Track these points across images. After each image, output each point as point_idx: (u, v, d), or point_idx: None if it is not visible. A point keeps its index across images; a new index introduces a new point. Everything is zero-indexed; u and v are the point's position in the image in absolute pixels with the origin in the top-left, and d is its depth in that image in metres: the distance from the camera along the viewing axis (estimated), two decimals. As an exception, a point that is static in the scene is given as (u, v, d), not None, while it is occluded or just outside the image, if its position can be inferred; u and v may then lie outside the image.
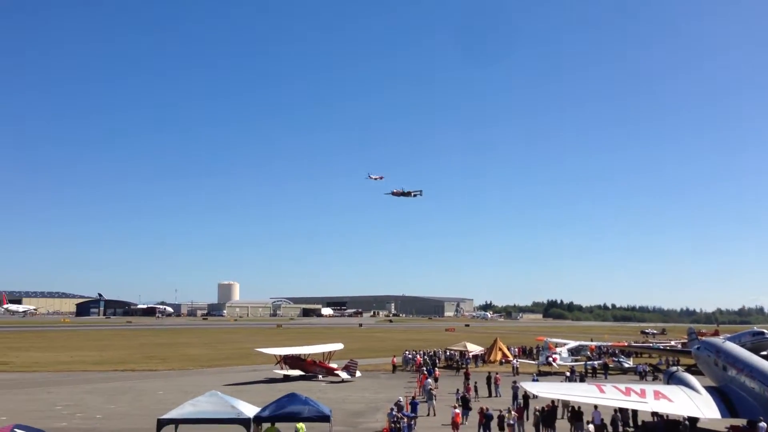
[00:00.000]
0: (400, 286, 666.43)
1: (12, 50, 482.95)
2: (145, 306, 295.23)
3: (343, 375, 53.90)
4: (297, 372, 55.19)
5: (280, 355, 57.22)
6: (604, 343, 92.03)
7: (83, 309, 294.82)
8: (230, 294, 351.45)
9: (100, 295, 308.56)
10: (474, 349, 71.42)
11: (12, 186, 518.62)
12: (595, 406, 31.50)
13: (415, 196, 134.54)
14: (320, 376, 55.05)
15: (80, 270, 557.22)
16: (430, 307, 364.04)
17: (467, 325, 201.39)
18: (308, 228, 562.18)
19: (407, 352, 68.63)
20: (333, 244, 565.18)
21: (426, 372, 51.55)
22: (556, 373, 59.66)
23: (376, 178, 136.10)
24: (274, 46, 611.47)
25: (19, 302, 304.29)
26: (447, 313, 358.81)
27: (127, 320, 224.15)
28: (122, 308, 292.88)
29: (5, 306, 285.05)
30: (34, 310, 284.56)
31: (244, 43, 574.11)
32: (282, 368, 55.49)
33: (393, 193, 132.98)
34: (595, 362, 66.08)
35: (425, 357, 67.06)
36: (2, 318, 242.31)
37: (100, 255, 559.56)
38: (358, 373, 54.75)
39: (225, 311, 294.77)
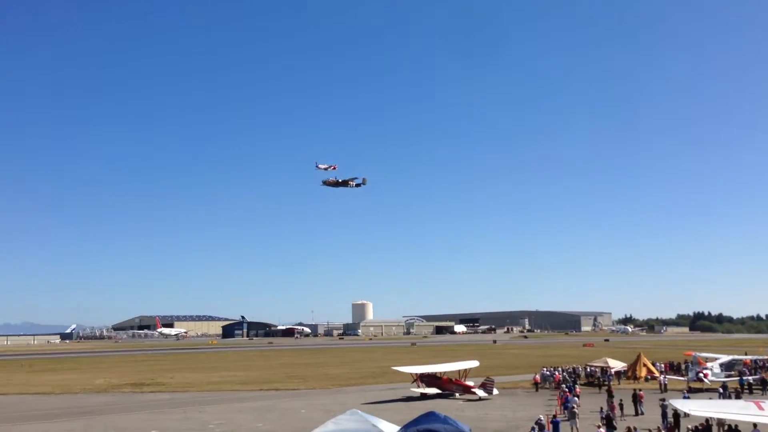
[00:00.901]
0: (534, 301, 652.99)
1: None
2: (284, 327, 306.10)
3: (480, 393, 53.35)
4: (434, 390, 55.22)
5: (417, 374, 57.51)
6: (760, 357, 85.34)
7: (228, 331, 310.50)
8: (364, 313, 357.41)
9: (242, 317, 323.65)
10: (616, 365, 68.39)
11: (173, 223, 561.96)
12: (754, 425, 29.33)
13: (358, 185, 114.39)
14: (457, 394, 54.76)
15: (224, 294, 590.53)
16: (566, 322, 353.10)
17: (606, 340, 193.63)
18: (440, 246, 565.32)
19: (545, 369, 66.87)
20: (464, 261, 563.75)
21: (567, 389, 50.06)
22: (707, 390, 56.07)
23: (326, 168, 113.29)
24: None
25: (171, 326, 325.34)
26: (584, 328, 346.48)
27: (269, 341, 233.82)
28: (263, 329, 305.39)
29: (159, 330, 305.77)
30: (185, 332, 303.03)
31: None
32: (419, 386, 55.73)
33: (326, 183, 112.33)
34: (751, 377, 61.49)
35: (564, 374, 65.08)
36: (157, 341, 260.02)
37: (241, 280, 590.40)
38: (495, 391, 54.00)
39: (360, 330, 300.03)
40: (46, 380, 75.05)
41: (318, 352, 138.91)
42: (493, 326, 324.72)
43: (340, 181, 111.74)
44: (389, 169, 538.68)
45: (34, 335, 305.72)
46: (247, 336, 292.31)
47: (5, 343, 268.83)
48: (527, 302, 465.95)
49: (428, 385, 55.80)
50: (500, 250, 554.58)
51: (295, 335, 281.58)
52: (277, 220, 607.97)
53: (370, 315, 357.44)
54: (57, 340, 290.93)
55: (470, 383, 55.66)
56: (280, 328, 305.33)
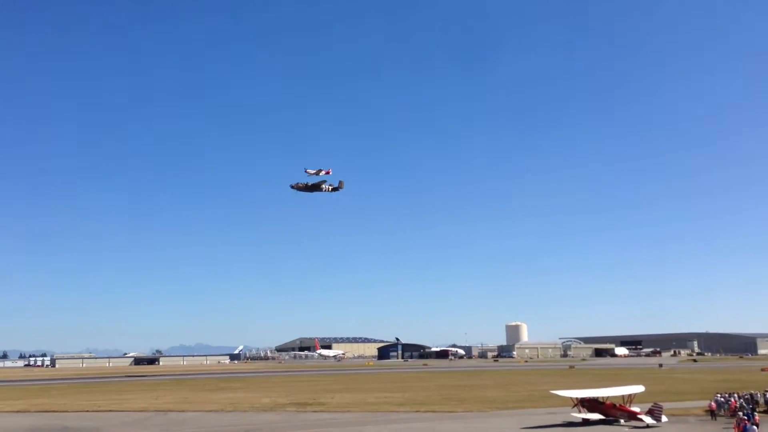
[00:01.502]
0: (702, 322, 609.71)
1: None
2: (438, 349, 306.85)
3: (648, 420, 50.47)
4: (596, 416, 52.94)
5: (577, 398, 55.45)
6: None
7: (384, 352, 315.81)
8: (518, 335, 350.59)
9: (397, 339, 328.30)
10: (801, 391, 62.26)
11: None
12: None
13: (334, 189, 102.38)
14: (622, 421, 52.17)
15: (379, 317, 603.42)
16: (740, 345, 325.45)
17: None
18: (594, 266, 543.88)
19: (718, 395, 62.09)
20: (623, 281, 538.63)
21: (745, 417, 46.21)
22: None
23: (315, 173, 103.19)
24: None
25: (329, 347, 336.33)
26: (761, 351, 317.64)
27: (423, 363, 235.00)
28: (417, 351, 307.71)
29: (318, 351, 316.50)
30: (343, 354, 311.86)
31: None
32: (580, 411, 53.67)
33: (295, 187, 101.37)
34: None
35: (741, 400, 60.08)
36: (317, 362, 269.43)
37: (396, 302, 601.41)
38: (664, 418, 50.87)
39: (515, 352, 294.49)
40: (218, 398, 79.98)
41: (473, 375, 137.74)
42: (658, 349, 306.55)
43: (310, 184, 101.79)
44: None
45: (206, 356, 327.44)
46: (402, 358, 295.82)
47: (182, 363, 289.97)
48: (695, 323, 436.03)
49: (590, 410, 53.61)
50: (664, 270, 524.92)
51: (449, 357, 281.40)
52: (432, 242, 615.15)
53: (524, 337, 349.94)
54: (226, 360, 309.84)
55: (636, 409, 52.83)
56: (434, 349, 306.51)
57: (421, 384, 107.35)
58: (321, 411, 64.41)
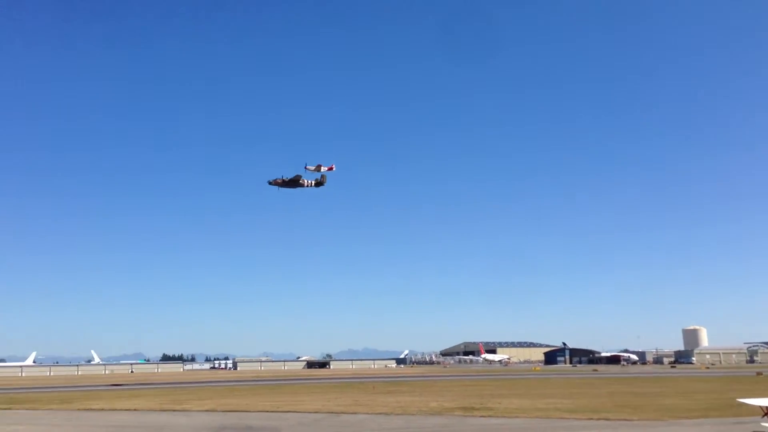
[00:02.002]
0: None
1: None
2: (608, 354, 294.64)
3: None
4: (793, 427, 48.26)
5: (768, 407, 50.87)
6: None
7: (551, 357, 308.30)
8: (697, 340, 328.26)
9: (564, 344, 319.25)
10: None
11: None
12: None
13: (318, 184, 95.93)
14: (825, 434, 47.15)
15: (545, 320, 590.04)
16: None
17: None
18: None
19: None
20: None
21: None
22: None
23: (315, 169, 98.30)
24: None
25: (494, 352, 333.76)
26: None
27: (593, 368, 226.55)
28: (586, 356, 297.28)
29: (483, 355, 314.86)
30: (508, 358, 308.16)
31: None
32: (773, 422, 49.20)
33: (273, 183, 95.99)
34: None
35: None
36: (482, 366, 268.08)
37: (561, 306, 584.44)
38: None
39: (694, 358, 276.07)
40: (387, 401, 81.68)
41: (648, 381, 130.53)
42: None
43: (287, 180, 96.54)
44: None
45: (374, 360, 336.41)
46: (570, 363, 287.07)
47: (351, 366, 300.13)
48: None
49: (785, 421, 48.94)
50: None
51: (621, 363, 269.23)
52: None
53: (704, 341, 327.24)
54: (393, 364, 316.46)
55: (841, 421, 47.54)
56: (604, 355, 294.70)
57: (592, 390, 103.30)
58: (489, 416, 63.79)
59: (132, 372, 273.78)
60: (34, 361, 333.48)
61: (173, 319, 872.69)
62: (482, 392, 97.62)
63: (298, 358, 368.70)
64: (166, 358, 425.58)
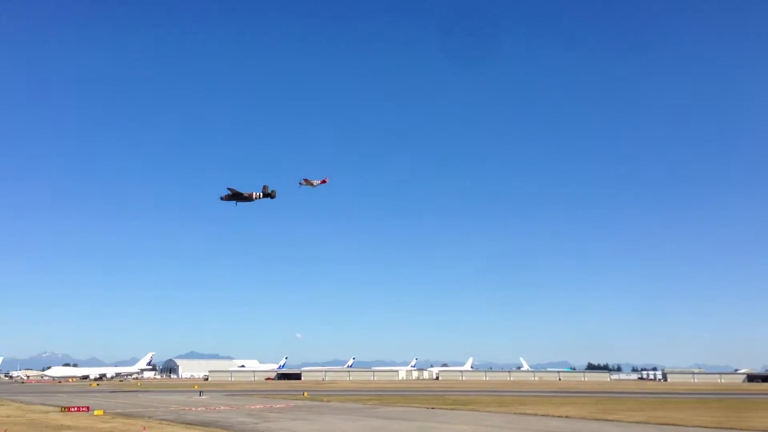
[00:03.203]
0: None
1: None
2: None
3: None
4: None
5: None
6: None
7: None
8: None
9: None
10: None
11: None
12: None
13: (267, 195, 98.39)
14: None
15: None
16: None
17: None
18: None
19: None
20: None
21: None
22: None
23: (304, 183, 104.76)
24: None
25: None
26: None
27: None
28: None
29: None
30: None
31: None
32: None
33: (224, 198, 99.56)
34: None
35: None
36: None
37: None
38: None
39: None
40: None
41: None
42: None
43: (233, 193, 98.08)
44: None
45: None
46: None
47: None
48: None
49: None
50: None
51: None
52: None
53: None
54: None
55: None
56: None
57: None
58: None
59: (559, 380, 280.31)
60: (471, 366, 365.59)
61: (596, 328, 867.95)
62: None
63: (736, 370, 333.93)
64: (591, 367, 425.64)
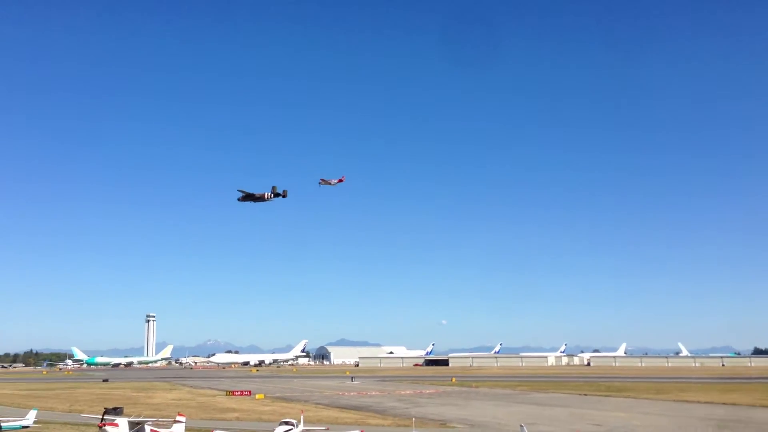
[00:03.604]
0: None
1: None
2: None
3: None
4: None
5: None
6: None
7: None
8: None
9: None
10: None
11: None
12: None
13: (277, 195, 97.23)
14: None
15: None
16: None
17: None
18: None
19: None
20: None
21: None
22: None
23: (324, 182, 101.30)
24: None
25: None
26: None
27: None
28: None
29: None
30: None
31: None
32: None
33: (240, 199, 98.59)
34: None
35: None
36: None
37: None
38: None
39: None
40: None
41: None
42: None
43: (247, 194, 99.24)
44: None
45: None
46: None
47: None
48: None
49: None
50: None
51: None
52: None
53: None
54: None
55: None
56: None
57: None
58: None
59: (723, 365, 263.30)
60: (624, 352, 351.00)
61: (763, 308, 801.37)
62: None
63: None
64: (757, 352, 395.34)
